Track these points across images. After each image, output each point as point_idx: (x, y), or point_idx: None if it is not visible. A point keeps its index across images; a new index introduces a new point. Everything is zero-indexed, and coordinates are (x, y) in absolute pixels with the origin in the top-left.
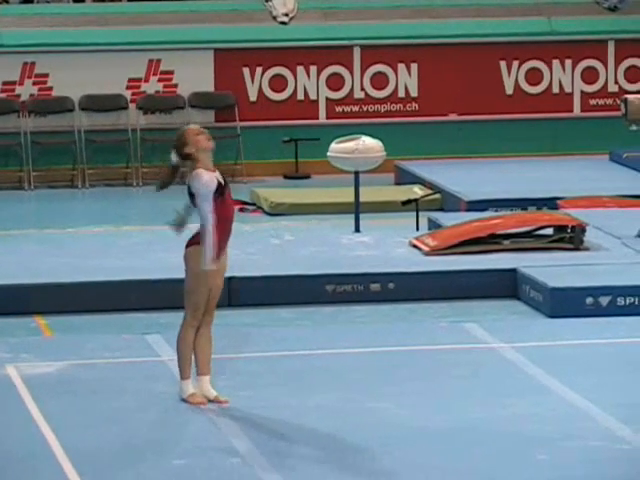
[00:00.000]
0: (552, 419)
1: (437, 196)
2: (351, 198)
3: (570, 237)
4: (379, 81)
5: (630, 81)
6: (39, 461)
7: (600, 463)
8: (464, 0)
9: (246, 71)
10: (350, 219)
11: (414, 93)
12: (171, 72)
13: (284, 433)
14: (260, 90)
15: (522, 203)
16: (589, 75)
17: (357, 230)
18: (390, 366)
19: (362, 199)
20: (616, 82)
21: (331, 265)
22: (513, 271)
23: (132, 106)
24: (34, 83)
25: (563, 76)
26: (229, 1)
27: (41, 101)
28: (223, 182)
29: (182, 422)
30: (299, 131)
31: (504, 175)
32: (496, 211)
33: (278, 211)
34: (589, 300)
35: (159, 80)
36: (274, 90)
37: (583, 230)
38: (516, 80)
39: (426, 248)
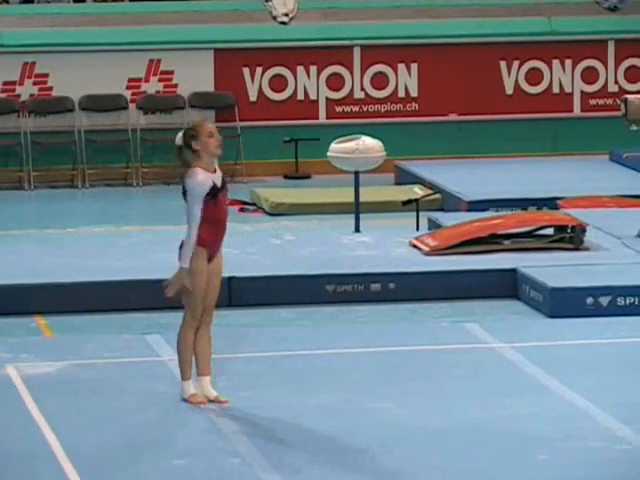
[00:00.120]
0: (552, 419)
1: (437, 196)
2: (351, 198)
3: (570, 237)
4: (379, 81)
5: (630, 81)
6: (39, 461)
7: (600, 463)
8: (464, 0)
9: (246, 71)
10: (350, 219)
11: (414, 93)
12: (171, 72)
13: (284, 433)
14: (260, 90)
15: (522, 203)
16: (589, 75)
17: (357, 230)
18: (390, 366)
19: (362, 199)
20: (616, 82)
21: (331, 265)
22: (513, 271)
23: (132, 106)
24: (34, 83)
25: (563, 76)
26: (229, 1)
27: (41, 101)
28: (220, 185)
29: (182, 422)
30: (299, 131)
31: (504, 175)
32: (496, 211)
33: (278, 211)
34: (589, 300)
35: (159, 80)
36: (274, 90)
37: (583, 230)
38: (516, 80)
39: (426, 248)
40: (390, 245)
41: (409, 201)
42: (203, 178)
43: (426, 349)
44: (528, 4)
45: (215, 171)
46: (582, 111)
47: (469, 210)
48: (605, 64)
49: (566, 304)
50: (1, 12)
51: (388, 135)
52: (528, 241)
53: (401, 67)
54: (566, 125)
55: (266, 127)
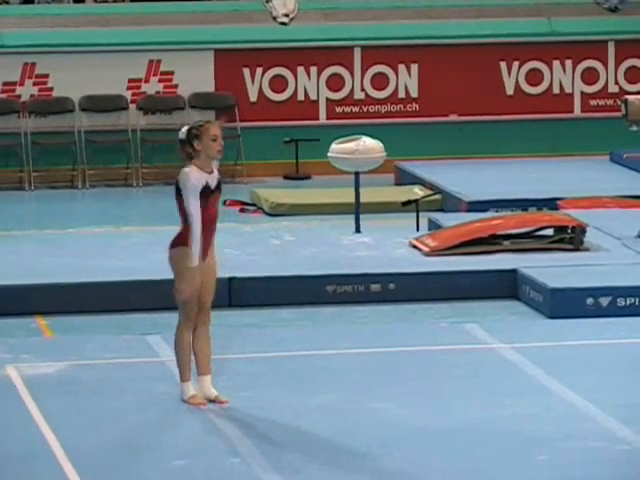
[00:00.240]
0: (552, 419)
1: (437, 197)
2: (351, 199)
3: (570, 238)
4: (379, 82)
5: (630, 82)
6: (39, 461)
7: (600, 464)
8: (464, 1)
9: (246, 72)
10: (350, 220)
11: (414, 94)
12: (171, 72)
13: (284, 433)
14: (260, 90)
15: (522, 204)
16: (589, 76)
17: (357, 231)
18: (390, 366)
19: (362, 200)
20: (616, 83)
21: (331, 265)
22: (513, 272)
23: (132, 106)
24: (34, 83)
25: (563, 77)
26: (229, 2)
27: (41, 101)
28: (214, 186)
29: (182, 422)
30: (299, 132)
31: (504, 176)
32: (496, 212)
33: (278, 212)
34: (589, 301)
35: (159, 81)
36: (274, 91)
37: (583, 231)
38: (516, 81)
39: (426, 249)
40: (390, 246)
41: (409, 202)
42: (196, 177)
43: (426, 349)
44: (528, 5)
45: (212, 172)
46: (582, 112)
47: (469, 211)
48: (605, 65)
49: (566, 305)
50: (1, 13)
51: (388, 136)
52: (528, 242)
53: (401, 68)
54: (566, 126)
55: (266, 127)
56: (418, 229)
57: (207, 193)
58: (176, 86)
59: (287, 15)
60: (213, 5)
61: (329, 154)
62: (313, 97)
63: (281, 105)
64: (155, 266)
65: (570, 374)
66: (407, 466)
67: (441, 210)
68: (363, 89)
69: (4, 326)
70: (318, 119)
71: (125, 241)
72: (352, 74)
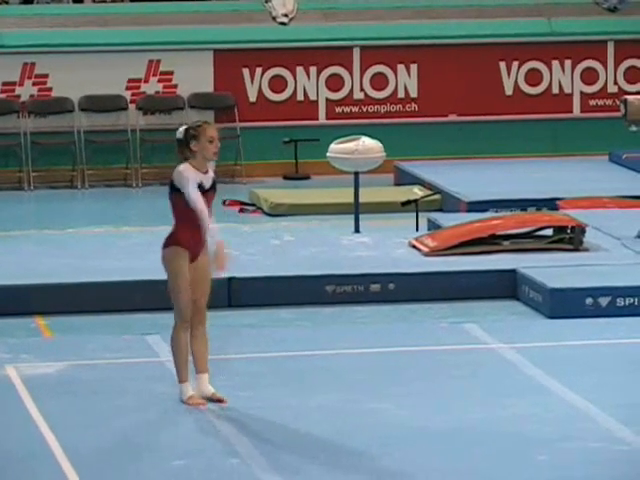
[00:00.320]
0: (552, 420)
1: (437, 197)
2: (351, 199)
3: (570, 238)
4: (379, 82)
5: (630, 82)
6: (39, 461)
7: (600, 464)
8: (464, 1)
9: (246, 72)
10: (350, 220)
11: (414, 94)
12: (171, 73)
13: (284, 434)
14: (260, 91)
15: (522, 204)
16: (589, 76)
17: (357, 231)
18: (390, 367)
19: (362, 200)
20: (616, 83)
21: (331, 266)
22: (513, 272)
23: (132, 107)
24: (34, 84)
25: (563, 77)
26: (229, 2)
27: (41, 102)
28: (208, 187)
29: (182, 423)
30: (299, 132)
31: (504, 176)
32: (496, 212)
33: (278, 212)
34: (589, 301)
35: (159, 81)
36: (274, 91)
37: (583, 231)
38: (516, 81)
39: (426, 249)
40: (390, 246)
41: (409, 202)
42: (190, 173)
43: (426, 350)
44: (528, 5)
45: (207, 172)
46: (582, 112)
47: (469, 211)
48: (605, 65)
49: (565, 305)
50: (1, 13)
51: (388, 136)
52: (527, 242)
53: (401, 68)
54: (566, 126)
55: (266, 128)
56: (418, 229)
57: (200, 192)
58: (175, 86)
59: (286, 15)
60: (213, 5)
61: (328, 154)
62: (312, 97)
63: (280, 105)
64: (155, 266)
65: (569, 374)
66: (407, 466)
67: (440, 210)
68: (362, 89)
69: (4, 326)
70: (317, 119)
71: (125, 241)
72: (351, 74)
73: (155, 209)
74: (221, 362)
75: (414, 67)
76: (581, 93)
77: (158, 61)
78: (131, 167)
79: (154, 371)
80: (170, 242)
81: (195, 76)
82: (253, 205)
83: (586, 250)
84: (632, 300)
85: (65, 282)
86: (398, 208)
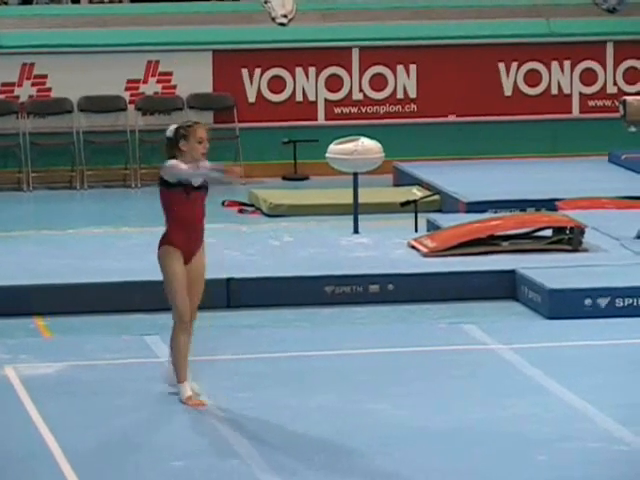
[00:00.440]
0: (551, 420)
1: (436, 197)
2: (350, 199)
3: (569, 238)
4: (378, 82)
5: (629, 82)
6: (38, 462)
7: (598, 464)
8: (463, 1)
9: (245, 72)
10: (349, 220)
11: (413, 94)
12: (170, 73)
13: (283, 434)
14: (259, 91)
15: (521, 204)
16: (588, 76)
17: (356, 231)
18: (389, 367)
19: (361, 200)
20: (615, 83)
21: (330, 266)
22: (512, 272)
23: (131, 107)
24: (33, 84)
25: (562, 77)
26: (228, 2)
27: (40, 102)
28: (197, 184)
29: (181, 423)
30: (298, 132)
31: (503, 176)
32: (495, 212)
33: (277, 212)
34: (587, 301)
35: (158, 81)
36: (273, 91)
37: (582, 231)
38: (515, 81)
39: (425, 249)
40: (389, 246)
41: (408, 202)
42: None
43: (425, 350)
44: (527, 5)
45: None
46: (581, 112)
47: (468, 211)
48: (604, 65)
49: (564, 305)
50: (0, 13)
51: (387, 136)
52: (527, 242)
53: (400, 68)
54: (565, 126)
55: (265, 128)
56: (417, 230)
57: (189, 189)
58: (174, 87)
59: (285, 16)
60: (212, 6)
61: (327, 155)
62: (312, 98)
63: (279, 106)
64: (154, 267)
65: (568, 375)
66: (406, 466)
67: (440, 211)
68: (361, 90)
69: (3, 327)
70: (316, 120)
71: (124, 242)
72: (350, 75)
73: (154, 210)
74: (220, 362)
75: (413, 68)
76: (580, 94)
77: (157, 62)
78: (130, 168)
79: (153, 371)
80: (162, 242)
81: (194, 77)
82: (252, 206)
83: (585, 251)
84: (631, 301)
85: (64, 283)
86: (397, 209)
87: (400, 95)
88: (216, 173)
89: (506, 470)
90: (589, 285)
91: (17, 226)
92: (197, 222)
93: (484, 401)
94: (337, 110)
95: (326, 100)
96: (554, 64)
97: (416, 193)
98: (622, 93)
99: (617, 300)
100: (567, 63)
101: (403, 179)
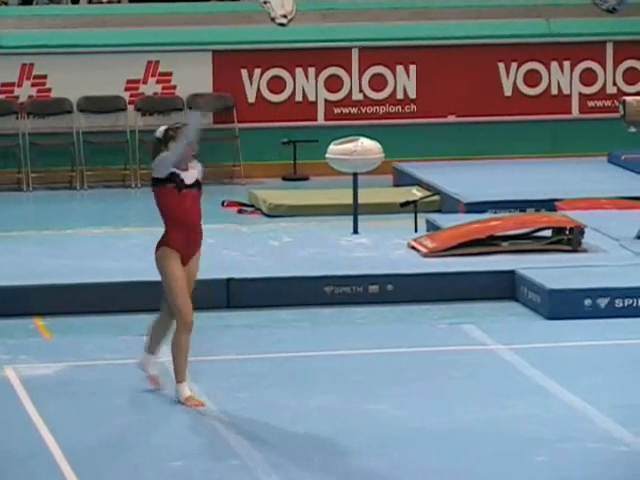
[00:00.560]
0: (550, 421)
1: (436, 198)
2: (350, 200)
3: (568, 239)
4: (377, 83)
5: (628, 83)
6: (37, 462)
7: (598, 465)
8: (462, 2)
9: (244, 73)
10: (349, 221)
11: (412, 95)
12: (169, 74)
13: (283, 434)
14: (258, 92)
15: (521, 205)
16: (587, 77)
17: (356, 232)
18: (389, 367)
19: (361, 201)
20: (614, 84)
21: (330, 266)
22: (511, 273)
23: (130, 107)
24: (33, 84)
25: (561, 78)
26: (227, 3)
27: (40, 102)
28: (190, 182)
29: (181, 423)
30: (297, 133)
31: (503, 177)
32: (495, 213)
33: (277, 213)
34: (587, 302)
35: (157, 82)
36: (272, 92)
37: (581, 232)
38: (514, 82)
39: (425, 250)
40: (388, 247)
41: (407, 203)
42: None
43: (424, 351)
44: (527, 6)
45: (187, 169)
46: (580, 113)
47: (467, 212)
48: (603, 66)
49: (564, 306)
50: (0, 13)
51: (386, 137)
52: (526, 243)
53: (399, 69)
54: (564, 127)
55: (264, 129)
56: (416, 230)
57: (181, 186)
58: (174, 87)
59: (285, 16)
60: (211, 6)
61: (327, 155)
62: (311, 98)
63: (279, 106)
64: (154, 267)
65: (568, 375)
66: (405, 467)
67: (439, 211)
68: (361, 90)
69: (2, 327)
70: (316, 120)
71: (124, 242)
72: (350, 75)
73: (154, 210)
74: (220, 363)
75: (413, 68)
76: (580, 94)
77: (157, 62)
78: (130, 168)
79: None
80: (160, 243)
81: (194, 77)
82: (252, 206)
83: (585, 251)
84: (631, 301)
85: (64, 283)
86: (397, 209)
87: (400, 95)
88: (191, 127)
89: (506, 471)
90: (589, 285)
91: (17, 226)
92: (195, 224)
93: (484, 401)
94: (337, 110)
95: (326, 100)
96: (554, 64)
97: (416, 193)
98: (622, 93)
99: (617, 300)
100: (567, 63)
101: (403, 179)
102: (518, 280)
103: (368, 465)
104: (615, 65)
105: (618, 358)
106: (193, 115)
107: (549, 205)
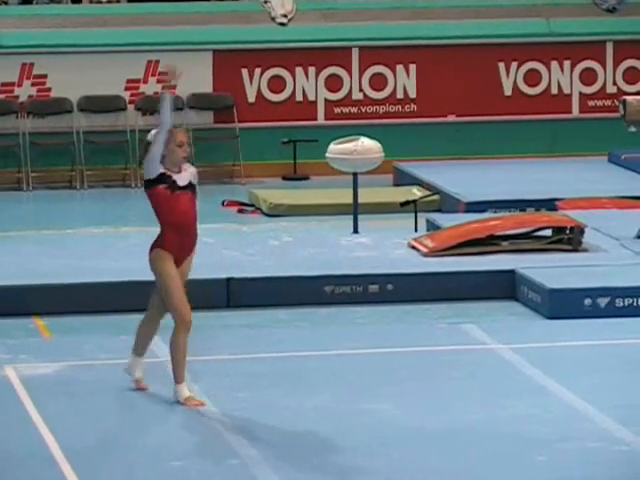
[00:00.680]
0: (550, 420)
1: (436, 197)
2: (350, 199)
3: (568, 238)
4: (378, 82)
5: (629, 82)
6: (37, 462)
7: (598, 464)
8: (462, 1)
9: (245, 72)
10: (349, 220)
11: (412, 94)
12: None
13: (282, 434)
14: (259, 91)
15: (521, 204)
16: (588, 76)
17: (356, 231)
18: (388, 367)
19: (361, 200)
20: (614, 83)
21: (330, 266)
22: (511, 272)
23: (130, 107)
24: (33, 84)
25: (562, 77)
26: (227, 2)
27: (40, 102)
28: (183, 184)
29: (180, 423)
30: (298, 132)
31: (503, 176)
32: (495, 212)
33: (277, 212)
34: (587, 301)
35: (158, 81)
36: (273, 91)
37: (581, 231)
38: (515, 81)
39: (425, 249)
40: (388, 246)
41: (407, 202)
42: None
43: (424, 350)
44: (527, 5)
45: (180, 171)
46: (580, 112)
47: (467, 211)
48: (604, 65)
49: (564, 305)
50: (0, 13)
51: (386, 136)
52: (526, 242)
53: (399, 68)
54: (564, 126)
55: (264, 128)
56: (416, 230)
57: (173, 187)
58: (174, 87)
59: (285, 16)
60: (212, 6)
61: (327, 155)
62: (311, 98)
63: (279, 106)
64: None
65: (568, 375)
66: (405, 467)
67: (439, 211)
68: (361, 90)
69: (2, 327)
70: (316, 120)
71: (123, 242)
72: (350, 75)
73: None
74: (219, 362)
75: (413, 67)
76: (580, 94)
77: (157, 61)
78: (130, 167)
79: (152, 371)
80: (154, 245)
81: (194, 77)
82: (252, 206)
83: (585, 251)
84: (631, 301)
85: (64, 283)
86: (397, 209)
87: (400, 95)
88: (164, 112)
89: (505, 470)
90: (589, 285)
91: (17, 226)
92: (189, 226)
93: (483, 401)
94: (337, 110)
95: (326, 100)
96: (554, 64)
97: (416, 193)
98: (622, 93)
99: (617, 300)
100: (567, 63)
101: (403, 179)
102: (518, 280)
103: (368, 465)
104: (615, 65)
105: (618, 358)
106: (162, 98)
107: (549, 205)
